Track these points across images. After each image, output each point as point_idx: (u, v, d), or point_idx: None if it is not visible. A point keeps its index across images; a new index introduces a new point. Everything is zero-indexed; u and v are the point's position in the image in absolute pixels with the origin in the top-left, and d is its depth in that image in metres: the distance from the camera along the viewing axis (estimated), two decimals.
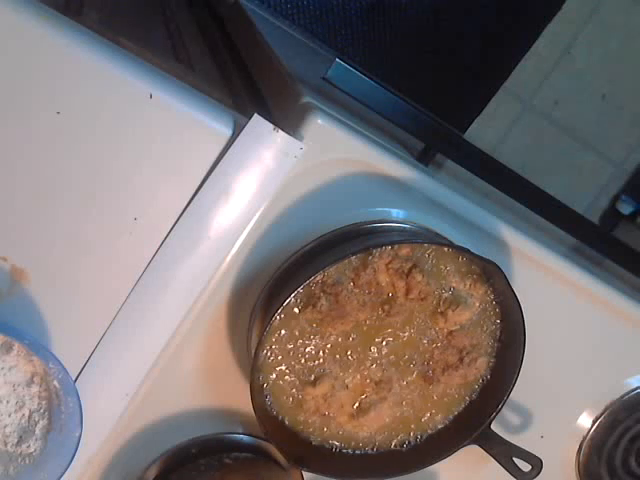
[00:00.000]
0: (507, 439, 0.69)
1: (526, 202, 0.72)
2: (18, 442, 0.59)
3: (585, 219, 0.77)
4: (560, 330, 0.74)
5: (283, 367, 0.63)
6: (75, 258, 0.59)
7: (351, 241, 0.63)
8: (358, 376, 0.65)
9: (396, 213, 0.66)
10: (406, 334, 0.65)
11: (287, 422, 0.65)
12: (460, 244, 0.65)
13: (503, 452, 0.68)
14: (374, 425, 0.67)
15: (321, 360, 0.63)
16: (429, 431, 0.68)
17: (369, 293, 0.62)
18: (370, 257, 0.61)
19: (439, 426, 0.68)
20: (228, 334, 0.65)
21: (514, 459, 0.68)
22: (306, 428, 0.65)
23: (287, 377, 0.63)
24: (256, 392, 0.61)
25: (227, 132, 0.58)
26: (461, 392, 0.68)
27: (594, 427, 0.77)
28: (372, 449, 0.68)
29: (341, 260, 0.60)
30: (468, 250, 0.63)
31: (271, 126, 0.58)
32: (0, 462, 0.59)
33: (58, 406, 0.59)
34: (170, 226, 0.60)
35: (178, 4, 1.08)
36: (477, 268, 0.64)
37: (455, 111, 1.49)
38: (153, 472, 0.67)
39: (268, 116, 0.59)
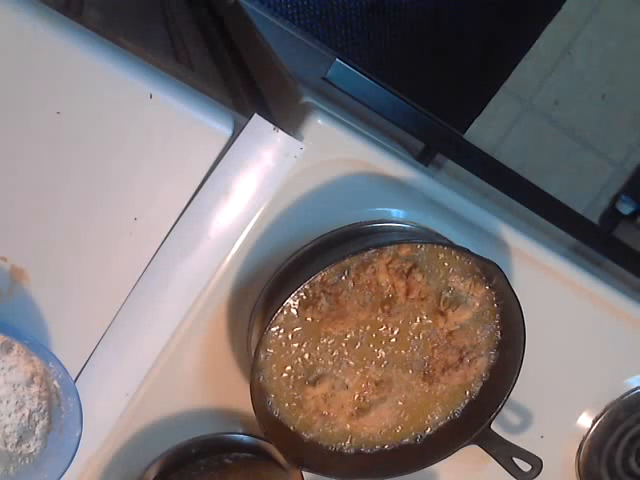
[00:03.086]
0: (507, 439, 0.69)
1: (526, 202, 0.72)
2: (18, 442, 0.59)
3: (585, 219, 0.77)
4: (560, 330, 0.74)
5: (283, 367, 0.63)
6: (75, 258, 0.59)
7: (351, 241, 0.63)
8: (358, 376, 0.65)
9: (396, 213, 0.66)
10: (406, 334, 0.65)
11: (287, 422, 0.65)
12: (460, 244, 0.65)
13: (503, 452, 0.68)
14: (374, 425, 0.67)
15: (321, 360, 0.63)
16: (429, 431, 0.68)
17: (369, 293, 0.62)
18: (370, 257, 0.61)
19: (439, 426, 0.68)
20: (228, 334, 0.65)
21: (514, 459, 0.68)
22: (306, 428, 0.65)
23: (287, 377, 0.63)
24: (256, 392, 0.61)
25: (227, 132, 0.58)
26: (461, 392, 0.68)
27: (594, 427, 0.77)
28: (372, 449, 0.68)
29: (341, 260, 0.60)
30: (468, 250, 0.63)
31: (271, 126, 0.58)
32: (0, 462, 0.59)
33: (58, 406, 0.59)
34: (170, 226, 0.60)
35: (178, 4, 1.08)
36: (477, 268, 0.64)
37: (455, 111, 1.49)
38: (153, 472, 0.67)
39: (268, 116, 0.59)
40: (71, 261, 0.59)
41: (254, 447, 0.69)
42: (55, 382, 0.58)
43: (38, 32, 0.54)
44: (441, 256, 0.63)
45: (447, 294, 0.64)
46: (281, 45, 0.95)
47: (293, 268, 0.62)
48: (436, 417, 0.68)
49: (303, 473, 0.68)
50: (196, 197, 0.59)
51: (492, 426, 0.68)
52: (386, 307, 0.63)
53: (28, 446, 0.59)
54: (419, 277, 0.62)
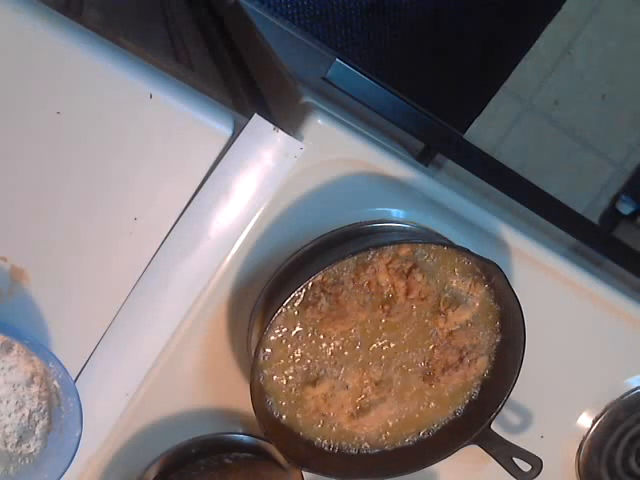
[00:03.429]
0: (507, 439, 0.69)
1: (526, 202, 0.72)
2: (18, 442, 0.59)
3: (585, 219, 0.77)
4: (560, 330, 0.74)
5: (283, 367, 0.63)
6: (75, 258, 0.59)
7: (351, 241, 0.63)
8: (358, 376, 0.65)
9: (396, 213, 0.66)
10: (406, 334, 0.65)
11: (287, 422, 0.65)
12: (460, 244, 0.65)
13: (503, 452, 0.68)
14: (374, 425, 0.67)
15: (321, 360, 0.63)
16: (429, 431, 0.68)
17: (369, 293, 0.62)
18: (370, 257, 0.61)
19: (439, 426, 0.68)
20: (228, 334, 0.65)
21: (514, 459, 0.68)
22: (306, 428, 0.65)
23: (287, 377, 0.63)
24: (256, 392, 0.61)
25: (227, 132, 0.58)
26: (461, 392, 0.68)
27: (594, 427, 0.77)
28: (372, 449, 0.68)
29: (341, 260, 0.60)
30: (468, 250, 0.63)
31: (271, 126, 0.58)
32: (0, 462, 0.59)
33: (58, 406, 0.59)
34: (170, 226, 0.60)
35: (178, 4, 1.08)
36: (477, 268, 0.64)
37: (455, 111, 1.49)
38: (153, 472, 0.67)
39: (268, 116, 0.59)
40: (71, 261, 0.59)
41: (254, 447, 0.68)
42: (55, 382, 0.58)
43: (38, 32, 0.54)
44: (441, 256, 0.63)
45: (447, 294, 0.64)
46: (281, 45, 0.95)
47: (293, 268, 0.62)
48: (436, 417, 0.68)
49: (303, 473, 0.68)
50: (196, 197, 0.59)
51: (492, 426, 0.68)
52: (386, 307, 0.63)
53: (28, 446, 0.59)
54: (419, 277, 0.62)
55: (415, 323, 0.64)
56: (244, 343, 0.65)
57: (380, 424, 0.67)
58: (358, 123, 0.65)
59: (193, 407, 0.67)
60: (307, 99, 0.62)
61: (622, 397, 0.77)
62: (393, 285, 0.62)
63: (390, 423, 0.67)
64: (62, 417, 0.59)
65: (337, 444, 0.67)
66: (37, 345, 0.57)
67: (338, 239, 0.63)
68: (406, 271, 0.62)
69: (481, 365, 0.66)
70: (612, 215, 1.70)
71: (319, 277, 0.61)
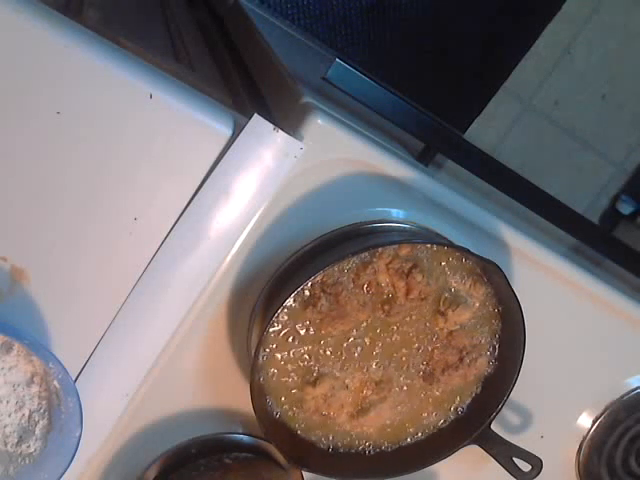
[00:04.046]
0: (507, 439, 0.69)
1: (526, 202, 0.72)
2: (18, 442, 0.59)
3: (585, 219, 0.77)
4: (560, 330, 0.74)
5: (283, 367, 0.63)
6: (75, 258, 0.59)
7: (351, 241, 0.63)
8: (358, 376, 0.65)
9: (396, 213, 0.66)
10: (406, 334, 0.65)
11: (287, 422, 0.65)
12: (460, 244, 0.65)
13: (503, 452, 0.68)
14: (374, 425, 0.67)
15: (321, 360, 0.63)
16: (429, 431, 0.68)
17: (369, 293, 0.62)
18: (370, 257, 0.61)
19: (439, 426, 0.68)
20: (228, 334, 0.65)
21: (514, 459, 0.68)
22: (306, 428, 0.65)
23: (287, 377, 0.63)
24: (256, 392, 0.61)
25: (227, 132, 0.58)
26: (461, 392, 0.68)
27: (594, 427, 0.77)
28: (372, 449, 0.68)
29: (341, 260, 0.60)
30: (468, 250, 0.63)
31: (271, 126, 0.58)
32: (0, 462, 0.59)
33: (58, 406, 0.59)
34: (170, 226, 0.60)
35: (178, 4, 1.08)
36: (477, 268, 0.64)
37: (455, 111, 1.49)
38: (153, 472, 0.67)
39: (268, 116, 0.59)
40: (71, 261, 0.59)
41: (254, 447, 0.68)
42: (55, 382, 0.58)
43: (38, 32, 0.54)
44: (441, 256, 0.63)
45: (447, 294, 0.64)
46: (281, 45, 0.95)
47: (293, 268, 0.62)
48: (436, 417, 0.68)
49: (303, 473, 0.68)
50: (196, 197, 0.59)
51: (492, 426, 0.68)
52: (386, 307, 0.63)
53: (28, 446, 0.59)
54: (419, 277, 0.62)
55: (415, 323, 0.64)
56: (244, 343, 0.65)
57: (380, 424, 0.67)
58: (358, 123, 0.65)
59: (193, 407, 0.67)
60: (307, 99, 0.62)
61: (622, 397, 0.77)
62: (393, 285, 0.62)
63: (390, 423, 0.67)
64: (62, 417, 0.59)
65: (337, 444, 0.67)
66: (37, 345, 0.57)
67: (338, 239, 0.63)
68: (406, 271, 0.62)
69: (481, 365, 0.66)
70: (612, 215, 1.70)
71: (319, 277, 0.61)
